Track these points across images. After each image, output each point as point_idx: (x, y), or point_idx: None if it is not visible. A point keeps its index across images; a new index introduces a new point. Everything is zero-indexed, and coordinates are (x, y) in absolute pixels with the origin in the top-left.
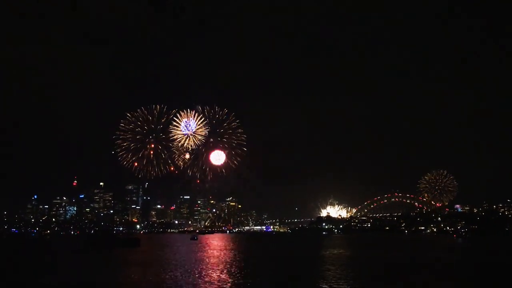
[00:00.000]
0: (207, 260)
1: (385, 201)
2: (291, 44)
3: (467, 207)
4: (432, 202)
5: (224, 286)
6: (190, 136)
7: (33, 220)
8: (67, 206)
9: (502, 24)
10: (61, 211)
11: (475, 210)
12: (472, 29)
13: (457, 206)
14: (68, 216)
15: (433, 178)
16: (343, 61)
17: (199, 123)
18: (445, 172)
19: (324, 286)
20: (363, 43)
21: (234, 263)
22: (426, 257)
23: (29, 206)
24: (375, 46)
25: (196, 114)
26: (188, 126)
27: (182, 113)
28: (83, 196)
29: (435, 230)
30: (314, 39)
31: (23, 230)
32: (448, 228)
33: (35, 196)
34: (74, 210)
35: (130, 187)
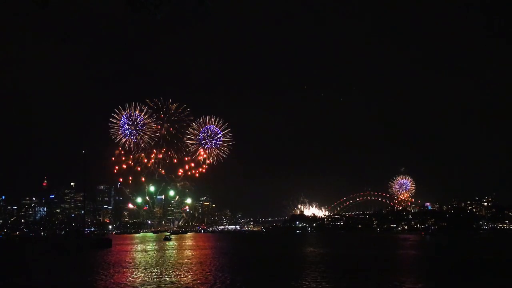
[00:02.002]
0: (179, 260)
1: (358, 199)
2: (268, 40)
3: (437, 205)
4: (402, 198)
5: (198, 286)
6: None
7: (0, 222)
8: (37, 206)
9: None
10: (30, 212)
11: (445, 208)
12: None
13: (427, 204)
14: (37, 217)
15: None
16: (320, 60)
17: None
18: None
19: (300, 284)
20: (344, 43)
21: (207, 263)
22: (394, 254)
23: None
24: (358, 46)
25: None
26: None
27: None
28: (53, 196)
29: (406, 227)
30: (295, 35)
31: None
32: (418, 225)
33: (3, 197)
34: (44, 211)
35: (102, 187)
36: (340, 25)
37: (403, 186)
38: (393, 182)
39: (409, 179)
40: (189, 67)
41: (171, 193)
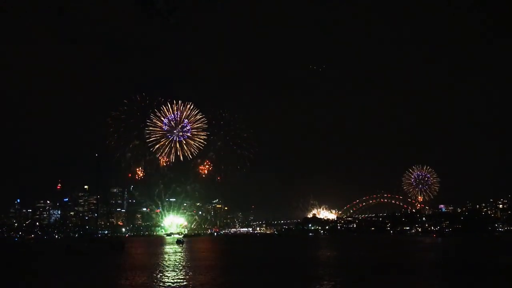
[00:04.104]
0: (192, 263)
1: (371, 202)
2: (281, 43)
3: (451, 207)
4: (418, 200)
5: None
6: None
7: (16, 225)
8: (51, 210)
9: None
10: (45, 215)
11: (459, 210)
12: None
13: (441, 206)
14: (52, 220)
15: (417, 173)
16: (333, 64)
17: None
18: (428, 167)
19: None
20: (355, 43)
21: (220, 266)
22: (404, 257)
23: (12, 210)
24: (368, 49)
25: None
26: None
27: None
28: (67, 199)
29: (419, 230)
30: (305, 39)
31: (5, 235)
32: (432, 228)
33: (18, 200)
34: (58, 214)
35: (115, 190)
36: (355, 23)
37: (423, 180)
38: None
39: (430, 171)
40: (197, 67)
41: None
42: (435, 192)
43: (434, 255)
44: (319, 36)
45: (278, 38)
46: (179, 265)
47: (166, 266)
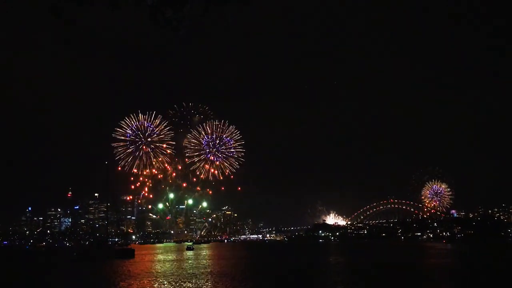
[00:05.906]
0: (204, 270)
1: (381, 207)
2: (288, 50)
3: (462, 212)
4: (428, 204)
5: None
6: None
7: (27, 233)
8: (62, 217)
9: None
10: (55, 223)
11: (471, 215)
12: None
13: (453, 211)
14: (63, 228)
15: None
16: (337, 69)
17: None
18: (440, 169)
19: None
20: (359, 51)
21: (231, 273)
22: (417, 263)
23: (23, 218)
24: (371, 53)
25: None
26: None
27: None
28: (78, 207)
29: (431, 235)
30: (311, 46)
31: (17, 243)
32: (444, 233)
33: (29, 208)
34: (69, 222)
35: (125, 197)
36: (358, 35)
37: (438, 194)
38: (424, 188)
39: (444, 186)
40: (204, 75)
41: (190, 201)
42: (448, 204)
43: (445, 261)
44: (321, 40)
45: (283, 43)
46: (188, 272)
47: (175, 273)
